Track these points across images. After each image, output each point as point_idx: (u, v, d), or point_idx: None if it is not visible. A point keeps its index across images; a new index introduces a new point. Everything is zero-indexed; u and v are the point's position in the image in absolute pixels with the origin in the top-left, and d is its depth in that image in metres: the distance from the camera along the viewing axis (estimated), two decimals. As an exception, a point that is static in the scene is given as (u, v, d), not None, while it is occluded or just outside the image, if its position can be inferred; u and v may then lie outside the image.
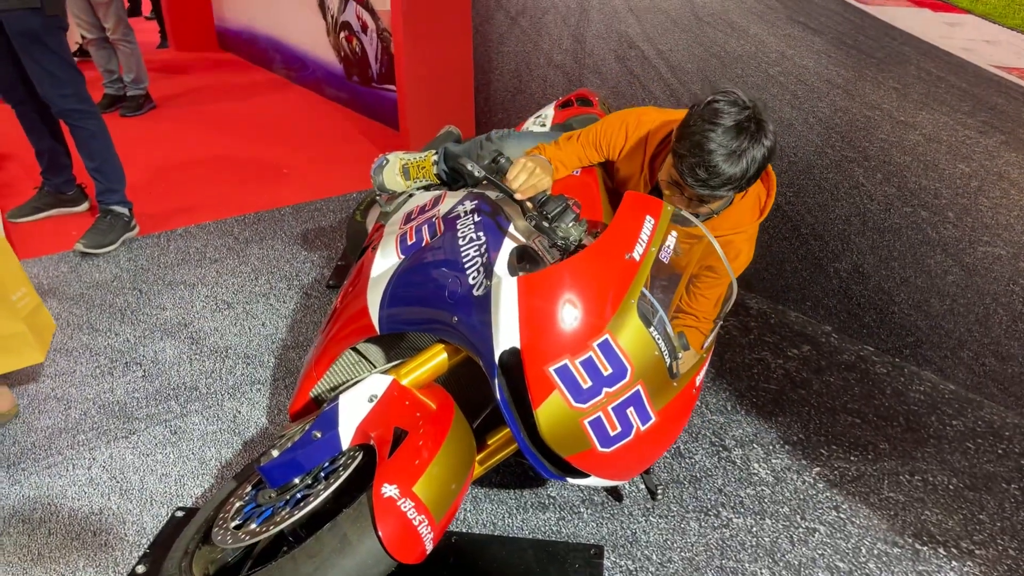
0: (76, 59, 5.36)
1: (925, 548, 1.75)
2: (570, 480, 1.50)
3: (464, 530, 1.79)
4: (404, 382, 1.55)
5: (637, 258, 1.47)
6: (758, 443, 2.08)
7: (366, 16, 4.77)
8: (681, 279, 1.73)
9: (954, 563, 1.71)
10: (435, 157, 2.25)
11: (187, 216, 3.53)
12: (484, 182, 1.60)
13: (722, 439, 2.10)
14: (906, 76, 2.21)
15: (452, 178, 2.20)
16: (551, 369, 1.38)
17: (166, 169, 4.17)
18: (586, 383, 1.39)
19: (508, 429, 1.60)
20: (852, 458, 2.03)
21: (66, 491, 1.90)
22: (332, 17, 5.20)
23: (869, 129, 2.33)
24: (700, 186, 1.59)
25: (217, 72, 6.55)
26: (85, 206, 3.60)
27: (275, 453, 1.48)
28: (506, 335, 1.40)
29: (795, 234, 2.63)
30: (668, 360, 1.48)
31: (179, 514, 1.81)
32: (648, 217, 1.54)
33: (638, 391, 1.43)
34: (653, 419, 1.47)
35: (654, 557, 1.72)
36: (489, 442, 1.63)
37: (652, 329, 1.45)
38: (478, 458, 1.61)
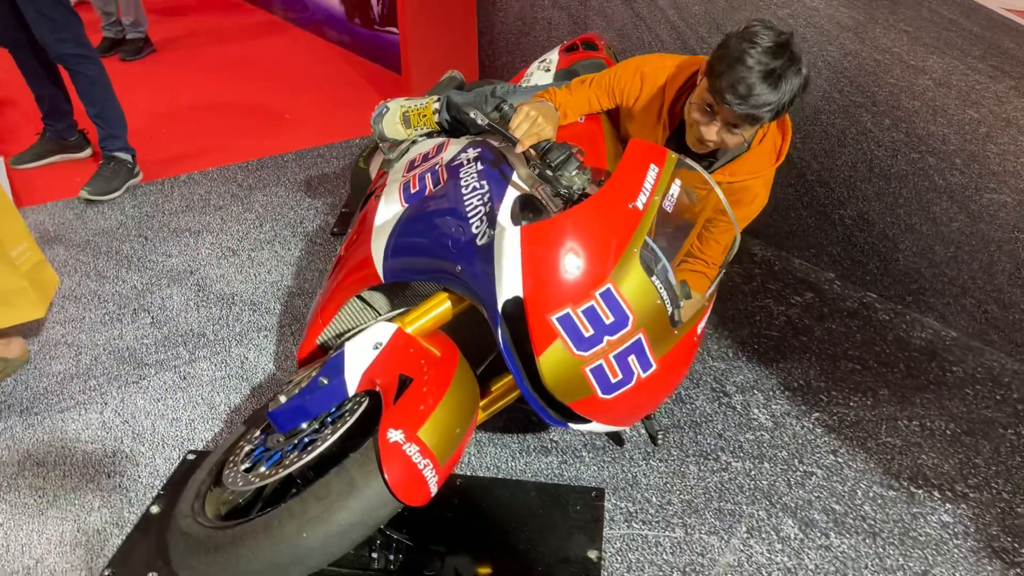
0: (74, 2, 5.27)
1: (920, 491, 1.79)
2: (572, 426, 1.53)
3: (468, 473, 1.83)
4: (409, 330, 1.56)
5: (640, 207, 1.47)
6: (759, 389, 2.11)
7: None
8: (693, 227, 1.73)
9: (948, 505, 1.75)
10: (436, 105, 2.22)
11: (190, 163, 3.51)
12: (487, 130, 1.59)
13: (723, 385, 2.13)
14: (918, 19, 2.17)
15: (454, 127, 2.18)
16: (553, 318, 1.40)
17: (168, 115, 4.13)
18: (588, 331, 1.41)
19: (511, 376, 1.62)
20: (851, 403, 2.06)
21: (80, 435, 1.95)
22: (333, -43, 5.08)
23: (878, 73, 2.30)
24: (739, 103, 1.58)
25: (216, 14, 6.44)
26: (88, 152, 3.58)
27: (283, 399, 1.51)
28: (509, 284, 1.41)
29: (800, 180, 2.62)
30: (670, 308, 1.49)
31: (191, 457, 1.86)
32: (652, 166, 1.53)
33: (639, 339, 1.45)
34: (654, 367, 1.49)
35: (654, 499, 1.76)
36: (492, 388, 1.66)
37: (654, 278, 1.46)
38: (481, 404, 1.64)
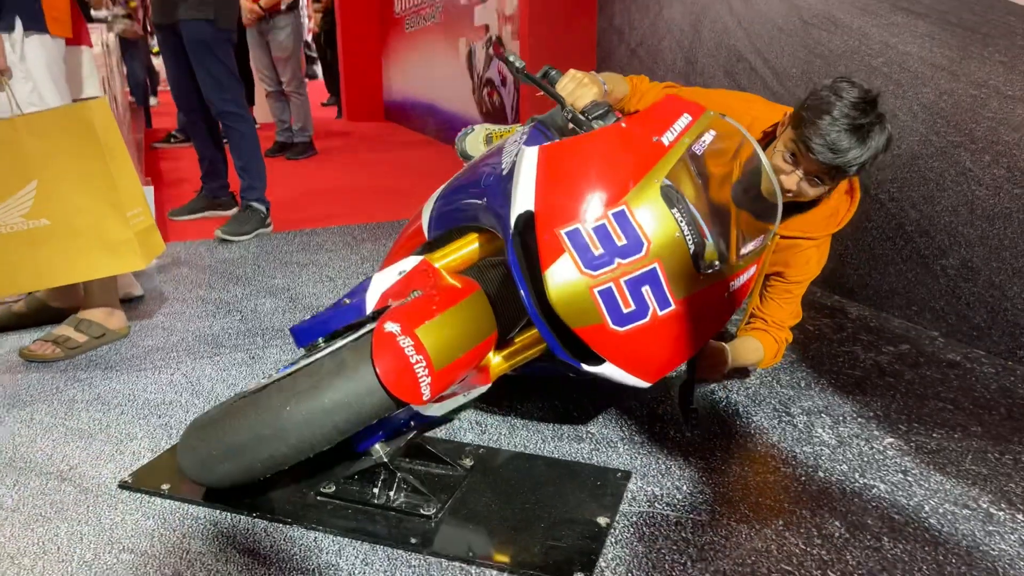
0: (178, 141, 6.15)
1: (1001, 513, 1.52)
2: (585, 367, 1.46)
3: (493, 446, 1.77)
4: (436, 265, 1.59)
5: (666, 143, 1.47)
6: (827, 414, 1.92)
7: (507, 69, 5.09)
8: (727, 184, 1.68)
9: (1039, 534, 1.48)
10: (520, 128, 2.34)
11: (317, 222, 3.84)
12: (532, 84, 1.66)
13: (787, 407, 1.95)
14: (1012, 48, 2.09)
15: None
16: (562, 232, 1.38)
17: (311, 191, 4.58)
18: (598, 250, 1.38)
19: (535, 330, 1.60)
20: (934, 435, 1.82)
21: (147, 387, 2.07)
22: (478, 75, 5.59)
23: (975, 109, 2.20)
24: (823, 152, 1.60)
25: (377, 134, 7.17)
26: (234, 211, 4.00)
27: (307, 319, 1.56)
28: (522, 199, 1.42)
29: (899, 232, 2.47)
30: (692, 247, 1.44)
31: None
32: (686, 114, 1.53)
33: (654, 269, 1.40)
34: (673, 306, 1.42)
35: (684, 487, 1.61)
36: (516, 340, 1.63)
37: (675, 211, 1.42)
38: (503, 354, 1.61)
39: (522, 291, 1.43)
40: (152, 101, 9.81)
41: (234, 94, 3.51)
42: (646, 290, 1.40)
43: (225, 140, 3.75)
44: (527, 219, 1.42)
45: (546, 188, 1.41)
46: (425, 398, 1.36)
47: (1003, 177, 2.15)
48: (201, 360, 2.24)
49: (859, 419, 1.90)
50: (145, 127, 7.56)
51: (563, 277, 1.38)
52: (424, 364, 1.34)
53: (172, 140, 6.46)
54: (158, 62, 9.48)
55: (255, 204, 3.63)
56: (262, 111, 7.10)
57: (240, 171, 3.62)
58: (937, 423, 1.88)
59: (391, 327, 1.35)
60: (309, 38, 14.80)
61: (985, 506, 1.55)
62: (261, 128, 7.14)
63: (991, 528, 1.48)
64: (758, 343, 1.94)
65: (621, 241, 1.38)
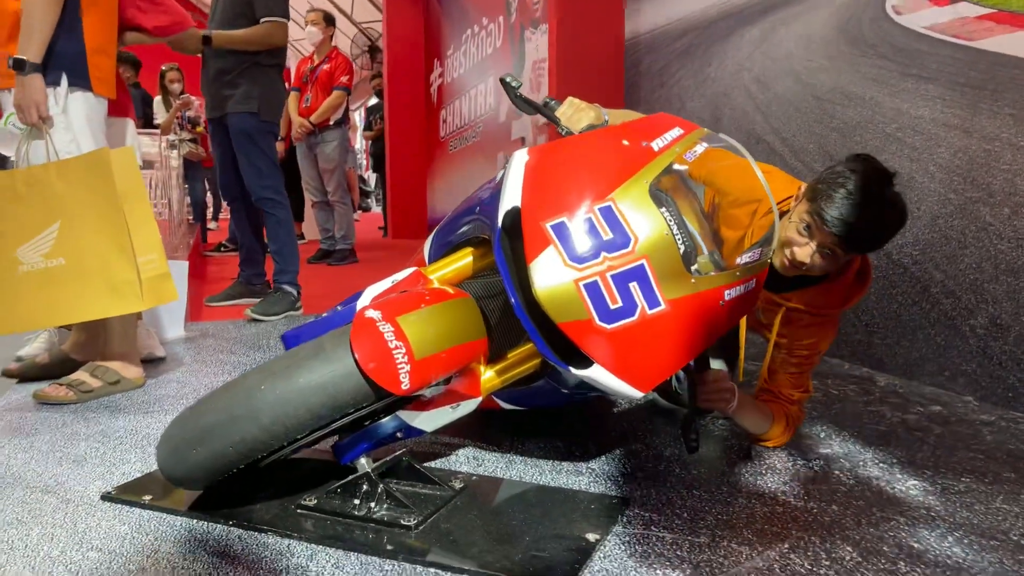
0: (228, 250, 6.43)
1: (1035, 543, 1.38)
2: (573, 370, 1.41)
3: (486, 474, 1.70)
4: (430, 277, 1.60)
5: (656, 148, 1.48)
6: (846, 460, 1.80)
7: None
8: (720, 211, 1.68)
9: (1080, 568, 1.32)
10: None
11: (346, 306, 3.89)
12: (529, 108, 1.71)
13: (804, 454, 1.84)
14: (1021, 100, 2.09)
15: None
16: (548, 224, 1.38)
17: (347, 289, 4.68)
18: (584, 242, 1.36)
19: (529, 345, 1.57)
20: (963, 479, 1.69)
21: (151, 425, 2.07)
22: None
23: (990, 163, 2.18)
24: (837, 225, 1.60)
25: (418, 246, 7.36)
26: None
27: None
28: (510, 196, 1.43)
29: (924, 296, 2.40)
30: (682, 248, 1.41)
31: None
32: (677, 127, 1.56)
33: (642, 266, 1.37)
34: (663, 306, 1.38)
35: (684, 515, 1.50)
36: (509, 355, 1.60)
37: (664, 210, 1.42)
38: (496, 368, 1.58)
39: (507, 285, 1.41)
40: (212, 225, 10.33)
41: (273, 181, 3.68)
42: (634, 286, 1.37)
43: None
44: (514, 215, 1.42)
45: (534, 184, 1.42)
46: (404, 387, 1.32)
47: (1024, 228, 2.10)
48: (208, 406, 2.23)
49: (881, 464, 1.78)
50: (200, 242, 7.92)
51: (548, 269, 1.36)
52: (404, 351, 1.32)
53: (222, 249, 6.74)
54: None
55: (286, 287, 3.72)
56: (311, 228, 7.41)
57: (274, 254, 3.74)
58: (967, 470, 1.74)
59: (372, 313, 1.34)
60: (364, 172, 15.60)
61: (1016, 538, 1.41)
62: (307, 243, 7.45)
63: (1021, 557, 1.34)
64: (768, 409, 1.86)
65: (607, 235, 1.37)
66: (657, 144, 1.49)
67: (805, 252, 1.67)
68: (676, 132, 1.54)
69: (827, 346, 1.88)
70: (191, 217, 8.14)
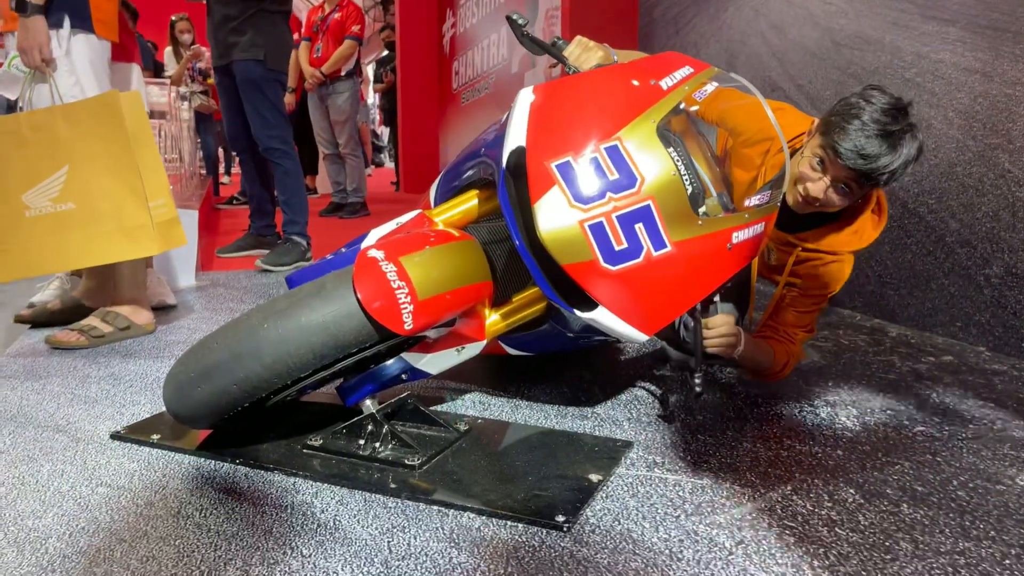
0: (239, 203, 6.40)
1: (1042, 487, 1.37)
2: (577, 313, 1.40)
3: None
4: (435, 219, 1.58)
5: (664, 87, 1.45)
6: (854, 407, 1.79)
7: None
8: (730, 154, 1.65)
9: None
10: None
11: (356, 257, 3.89)
12: (537, 46, 1.67)
13: (810, 400, 1.84)
14: (1046, 41, 2.03)
15: None
16: (552, 164, 1.35)
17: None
18: (589, 182, 1.34)
19: (535, 288, 1.56)
20: (971, 426, 1.68)
21: (161, 368, 2.09)
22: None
23: (1011, 108, 2.12)
24: (852, 158, 1.56)
25: (431, 201, 7.34)
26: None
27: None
28: (515, 135, 1.40)
29: (940, 245, 2.36)
30: (690, 188, 1.39)
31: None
32: (687, 66, 1.52)
33: (648, 206, 1.35)
34: (668, 248, 1.36)
35: (688, 458, 1.50)
36: (514, 299, 1.59)
37: (671, 150, 1.39)
38: (501, 311, 1.57)
39: (511, 227, 1.39)
40: (225, 179, 10.32)
41: (280, 131, 3.65)
42: (639, 227, 1.35)
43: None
44: (519, 155, 1.39)
45: (538, 123, 1.40)
46: (407, 327, 1.31)
47: (1044, 174, 2.05)
48: (218, 351, 2.24)
49: (888, 411, 1.77)
50: (212, 195, 7.92)
51: (553, 210, 1.34)
52: (406, 291, 1.31)
53: (234, 202, 6.73)
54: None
55: (296, 238, 3.72)
56: (323, 182, 7.38)
57: (283, 205, 3.73)
58: (976, 417, 1.73)
59: (375, 253, 1.34)
60: (376, 127, 15.47)
61: (1023, 484, 1.40)
62: (320, 197, 7.42)
63: (1027, 500, 1.33)
64: (768, 346, 1.84)
65: (613, 175, 1.35)
66: (666, 83, 1.46)
67: (819, 187, 1.64)
68: (686, 71, 1.50)
69: (839, 287, 1.84)
70: (203, 170, 8.13)
